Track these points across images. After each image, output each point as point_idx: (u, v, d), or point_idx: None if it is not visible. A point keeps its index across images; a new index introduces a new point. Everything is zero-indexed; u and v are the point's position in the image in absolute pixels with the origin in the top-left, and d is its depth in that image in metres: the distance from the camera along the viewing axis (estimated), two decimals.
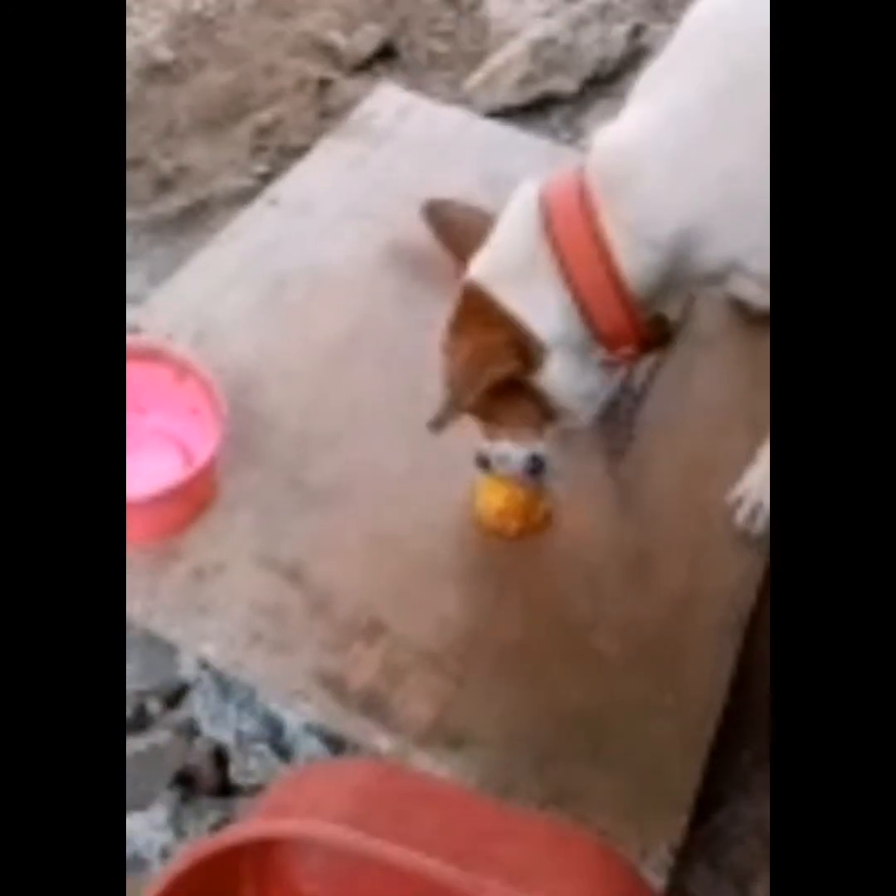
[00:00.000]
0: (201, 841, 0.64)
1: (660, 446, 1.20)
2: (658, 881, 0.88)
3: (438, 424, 0.96)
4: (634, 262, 0.90)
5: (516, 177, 1.53)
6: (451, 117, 1.57)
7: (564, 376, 0.96)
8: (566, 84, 1.64)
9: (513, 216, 0.96)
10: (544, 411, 0.99)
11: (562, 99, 1.65)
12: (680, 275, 0.93)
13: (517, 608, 1.05)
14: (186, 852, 0.63)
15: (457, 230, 1.10)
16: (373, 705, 0.96)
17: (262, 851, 0.74)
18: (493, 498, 1.08)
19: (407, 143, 1.50)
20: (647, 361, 1.20)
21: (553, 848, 0.68)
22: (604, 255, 0.89)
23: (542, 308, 0.92)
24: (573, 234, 0.90)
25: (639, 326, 0.94)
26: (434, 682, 0.99)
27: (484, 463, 1.05)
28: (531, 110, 1.63)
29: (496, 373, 0.94)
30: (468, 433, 1.03)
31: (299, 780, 0.85)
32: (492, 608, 1.05)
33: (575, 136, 1.59)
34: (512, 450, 1.02)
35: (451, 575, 1.07)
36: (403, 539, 1.09)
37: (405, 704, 0.96)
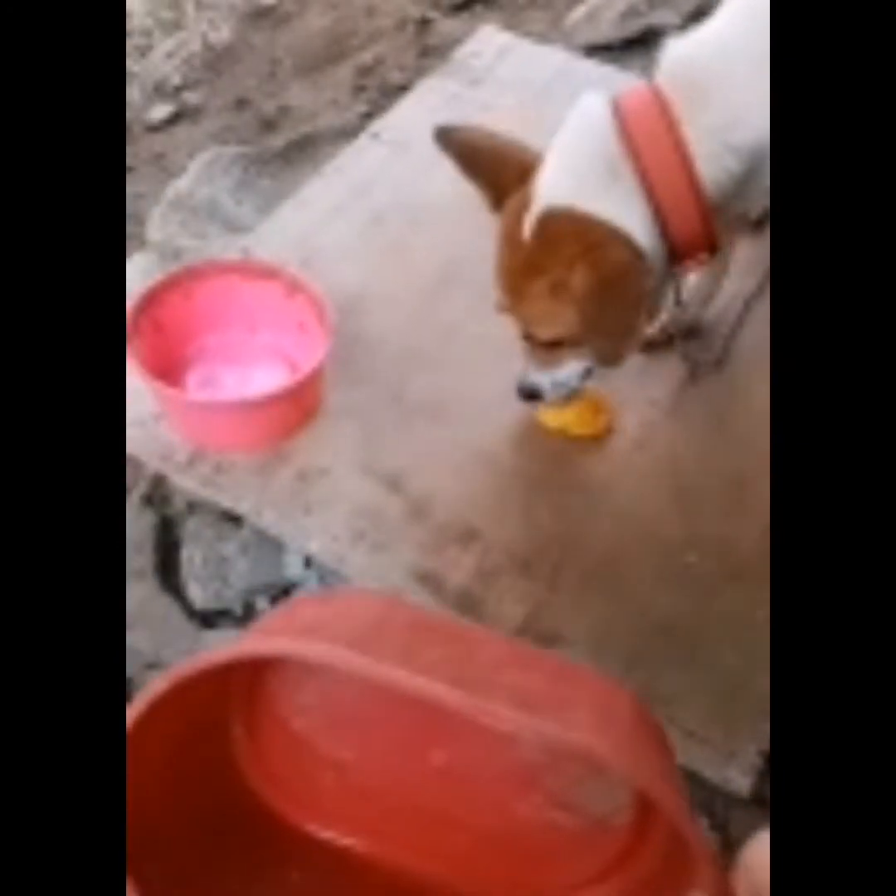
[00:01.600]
0: (186, 662, 0.59)
1: (756, 372, 1.20)
2: (745, 781, 0.91)
3: (612, 361, 0.96)
4: (715, 168, 0.90)
5: None
6: (550, 57, 1.58)
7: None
8: (669, 18, 1.63)
9: (582, 132, 0.94)
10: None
11: (665, 33, 1.63)
12: (753, 184, 0.92)
13: (609, 523, 1.08)
14: (167, 673, 0.59)
15: (484, 158, 1.02)
16: (468, 604, 1.00)
17: (252, 686, 0.72)
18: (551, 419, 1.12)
19: (505, 83, 1.52)
20: (746, 291, 1.20)
21: (560, 679, 0.68)
22: (686, 163, 0.89)
23: (629, 219, 0.91)
24: (655, 144, 0.90)
25: (711, 236, 0.94)
26: (526, 585, 1.02)
27: (534, 395, 1.04)
28: (633, 45, 1.62)
29: (650, 288, 0.91)
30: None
31: (292, 608, 0.83)
32: (583, 521, 1.08)
33: None
34: (573, 370, 1.01)
35: (543, 488, 1.10)
36: (497, 454, 1.13)
37: (499, 605, 1.00)
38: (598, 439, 1.13)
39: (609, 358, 0.98)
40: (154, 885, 0.59)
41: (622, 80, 1.57)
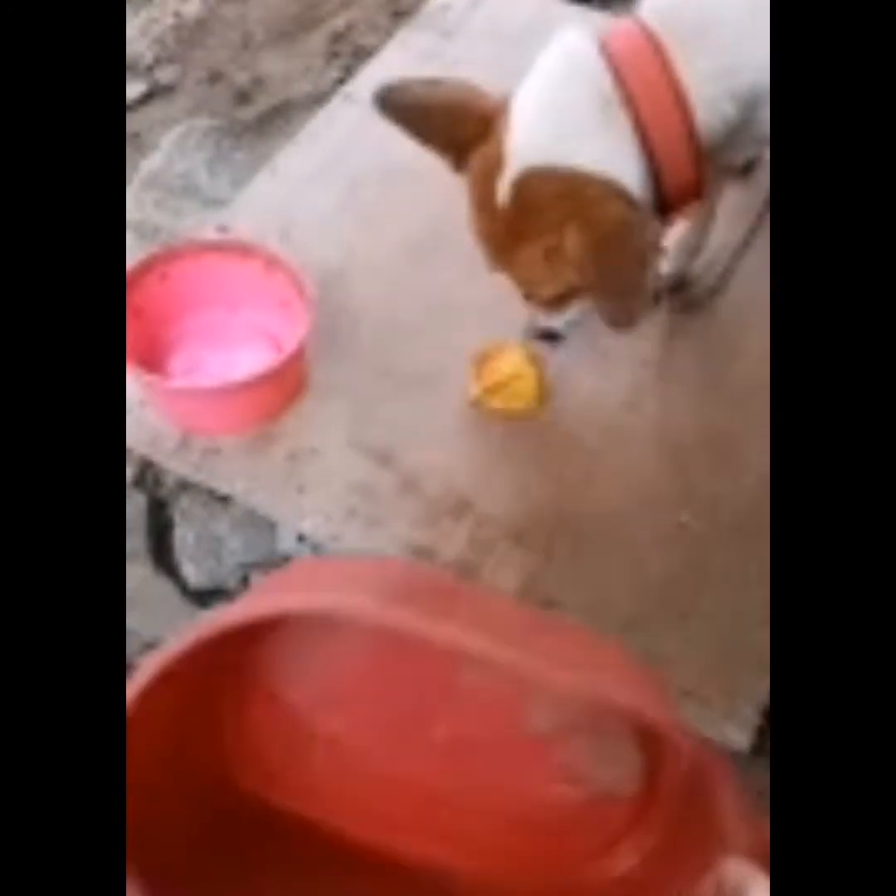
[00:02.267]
0: (191, 627, 0.57)
1: (747, 329, 1.19)
2: (743, 738, 0.91)
3: (625, 324, 0.89)
4: (712, 114, 0.87)
5: None
6: (525, 3, 1.54)
7: None
8: None
9: (567, 74, 0.87)
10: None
11: None
12: (745, 132, 0.90)
13: (602, 487, 1.07)
14: (178, 640, 0.58)
15: (435, 115, 0.93)
16: (463, 575, 1.00)
17: (242, 659, 0.69)
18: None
19: (480, 34, 1.49)
20: (734, 240, 1.18)
21: (589, 645, 0.69)
22: (682, 108, 0.85)
23: (623, 167, 0.86)
24: (650, 87, 0.85)
25: (701, 185, 0.90)
26: (521, 554, 1.02)
27: (550, 336, 1.03)
28: None
29: (651, 241, 0.85)
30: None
31: (287, 572, 0.81)
32: (576, 487, 1.07)
33: None
34: (584, 306, 0.96)
35: (536, 457, 1.10)
36: (487, 424, 1.12)
37: (494, 574, 1.00)
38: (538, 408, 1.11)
39: (620, 320, 0.92)
40: (148, 860, 0.59)
41: (604, 21, 1.53)
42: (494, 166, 0.87)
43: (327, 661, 0.71)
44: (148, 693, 0.58)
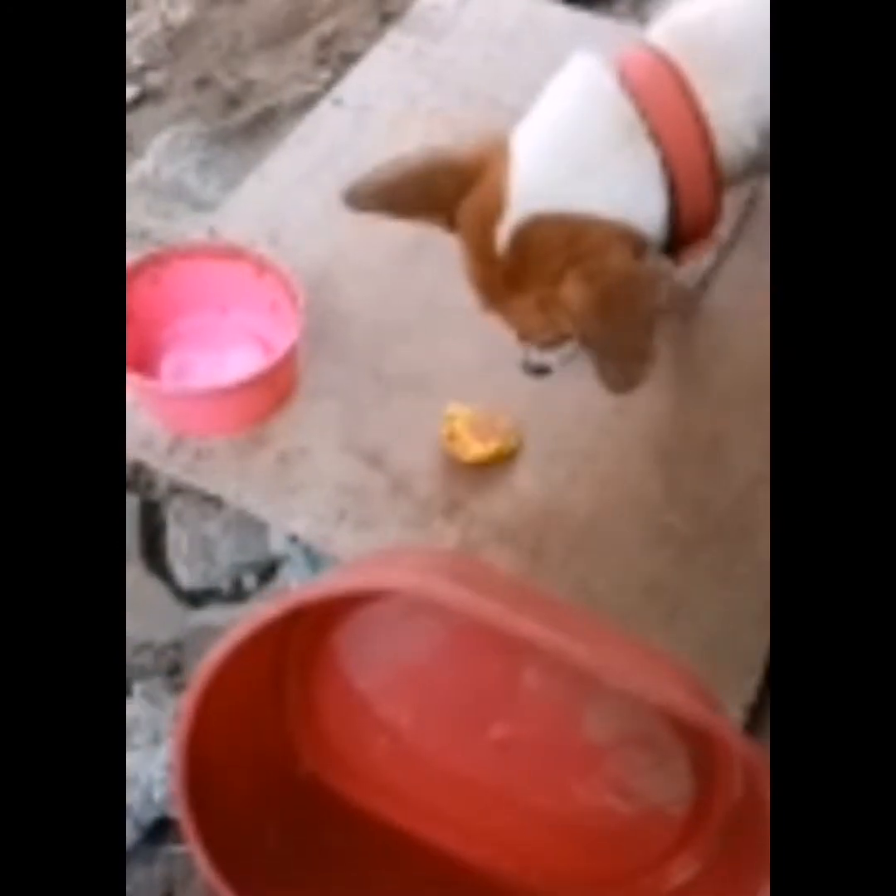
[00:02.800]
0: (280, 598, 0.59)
1: (736, 334, 1.20)
2: None
3: (624, 387, 0.83)
4: (733, 146, 0.83)
5: None
6: (514, 5, 1.55)
7: None
8: None
9: (580, 107, 0.82)
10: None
11: None
12: (762, 163, 0.86)
13: (591, 489, 1.08)
14: (262, 609, 0.59)
15: (406, 188, 0.88)
16: None
17: (312, 640, 0.70)
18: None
19: (469, 35, 1.50)
20: (720, 239, 1.19)
21: (647, 655, 0.70)
22: (706, 141, 0.80)
23: (645, 205, 0.80)
24: (675, 120, 0.79)
25: (716, 218, 0.86)
26: (510, 555, 1.03)
27: (542, 371, 0.99)
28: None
29: (657, 300, 0.79)
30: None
31: (364, 559, 0.80)
32: (565, 488, 1.08)
33: (641, 23, 1.56)
34: (574, 348, 0.93)
35: (525, 458, 1.11)
36: None
37: None
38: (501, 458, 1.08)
39: (619, 384, 0.84)
40: (211, 832, 0.62)
41: (594, 27, 1.54)
42: (492, 212, 0.82)
43: (397, 651, 0.72)
44: (220, 667, 0.60)
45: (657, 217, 0.81)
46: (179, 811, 0.61)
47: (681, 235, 0.85)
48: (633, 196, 0.80)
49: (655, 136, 0.80)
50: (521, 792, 0.72)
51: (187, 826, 0.61)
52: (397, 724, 0.72)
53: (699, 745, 0.65)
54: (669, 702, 0.59)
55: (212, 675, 0.59)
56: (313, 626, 0.69)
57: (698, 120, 0.81)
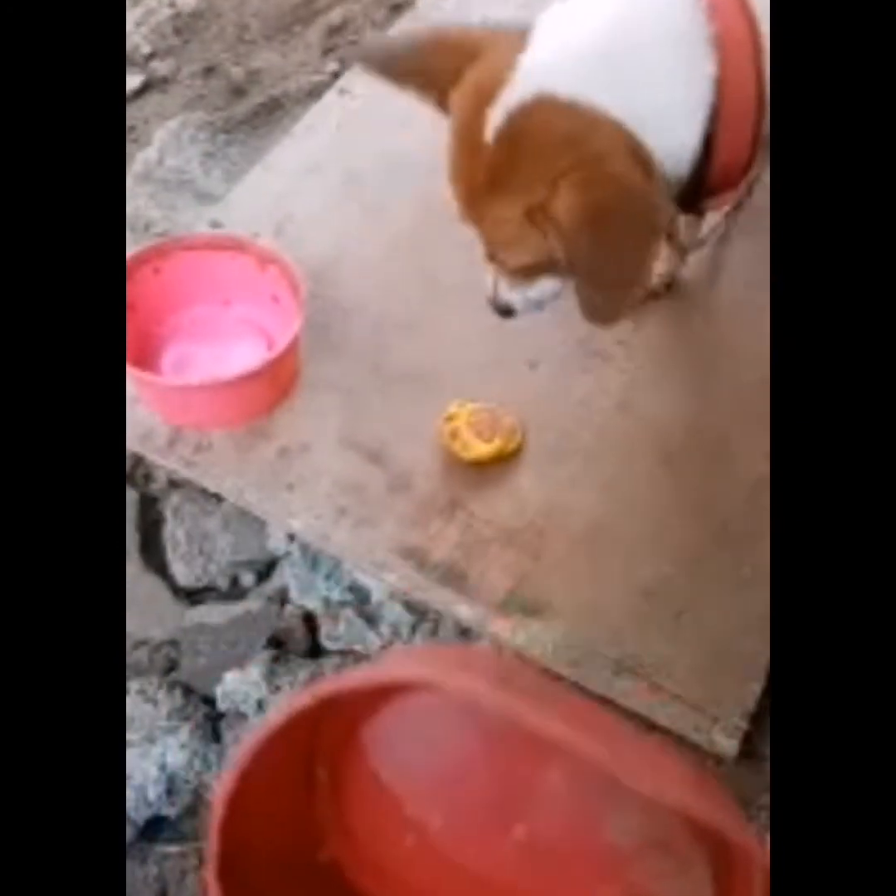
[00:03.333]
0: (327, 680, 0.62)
1: (742, 332, 1.18)
2: (730, 743, 0.91)
3: (606, 318, 0.74)
4: None
5: None
6: None
7: None
8: None
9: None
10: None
11: None
12: None
13: (593, 489, 1.07)
14: (311, 688, 0.62)
15: (407, 55, 0.78)
16: (452, 576, 1.00)
17: (342, 734, 0.71)
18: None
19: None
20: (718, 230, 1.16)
21: (671, 761, 0.69)
22: (760, 73, 0.66)
23: (675, 117, 0.66)
24: (739, 35, 0.66)
25: (749, 168, 0.73)
26: (511, 555, 1.01)
27: (506, 311, 0.89)
28: None
29: (661, 223, 0.67)
30: (542, 329, 1.02)
31: (397, 654, 0.83)
32: (567, 489, 1.07)
33: None
34: (549, 288, 0.83)
35: (528, 457, 1.09)
36: None
37: (483, 576, 1.00)
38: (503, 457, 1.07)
39: (599, 313, 0.76)
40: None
41: None
42: (489, 92, 0.70)
43: (426, 747, 0.72)
44: (256, 751, 0.61)
45: (687, 146, 0.68)
46: (209, 879, 0.63)
47: (709, 179, 0.72)
48: (668, 108, 0.66)
49: (718, 48, 0.66)
50: (543, 892, 0.71)
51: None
52: (424, 824, 0.72)
53: (718, 851, 0.64)
54: (687, 805, 0.58)
55: (248, 758, 0.61)
56: (345, 716, 0.70)
57: (755, 41, 0.66)
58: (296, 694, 0.66)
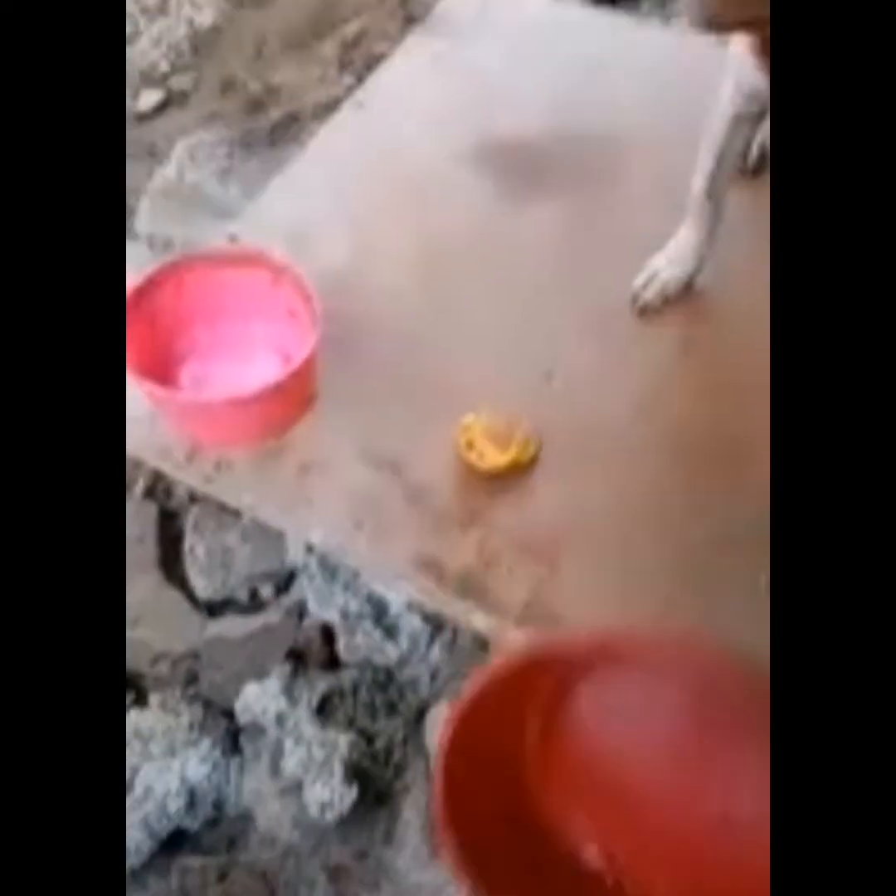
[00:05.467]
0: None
1: (759, 337, 1.17)
2: None
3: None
4: None
5: (610, 61, 1.50)
6: (535, 4, 1.53)
7: None
8: None
9: None
10: None
11: None
12: None
13: (610, 497, 1.06)
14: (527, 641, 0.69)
15: None
16: (469, 588, 1.00)
17: (556, 693, 0.76)
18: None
19: (490, 36, 1.48)
20: None
21: None
22: None
23: None
24: None
25: None
26: (527, 567, 1.01)
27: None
28: None
29: None
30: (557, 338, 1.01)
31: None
32: (584, 497, 1.06)
33: (666, 21, 1.53)
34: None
35: (543, 467, 1.09)
36: None
37: (500, 587, 1.00)
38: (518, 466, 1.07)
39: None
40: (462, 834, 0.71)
41: (618, 26, 1.52)
42: None
43: (631, 717, 0.77)
44: (477, 697, 0.68)
45: None
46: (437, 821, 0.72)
47: None
48: None
49: None
50: (731, 870, 0.73)
51: (441, 831, 0.71)
52: (626, 788, 0.77)
53: None
54: None
55: (469, 704, 0.69)
56: (557, 676, 0.75)
57: None
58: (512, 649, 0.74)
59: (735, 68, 0.96)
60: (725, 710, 0.62)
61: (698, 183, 1.12)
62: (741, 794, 0.72)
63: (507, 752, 0.79)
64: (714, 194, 1.12)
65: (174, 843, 0.93)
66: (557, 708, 0.76)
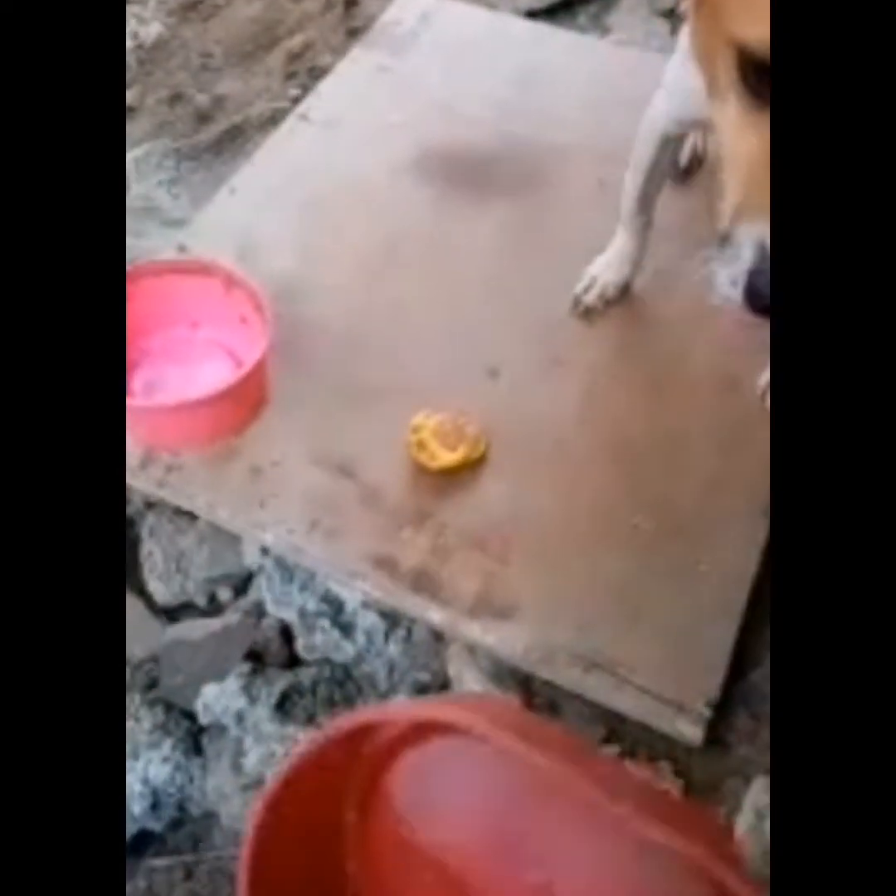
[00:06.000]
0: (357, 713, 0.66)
1: (694, 336, 1.22)
2: (696, 732, 0.94)
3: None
4: None
5: (549, 73, 1.56)
6: (475, 17, 1.58)
7: None
8: None
9: None
10: None
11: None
12: None
13: (556, 492, 1.10)
14: (332, 725, 0.65)
15: None
16: (423, 583, 1.03)
17: (372, 773, 0.75)
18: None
19: (431, 48, 1.52)
20: None
21: (686, 811, 0.74)
22: None
23: None
24: None
25: None
26: (479, 561, 1.05)
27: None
28: (556, 11, 1.62)
29: None
30: (501, 339, 1.05)
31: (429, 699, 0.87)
32: (531, 493, 1.10)
33: (603, 34, 1.58)
34: None
35: (491, 465, 1.12)
36: None
37: (453, 581, 1.03)
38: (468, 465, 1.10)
39: None
40: None
41: (552, 35, 1.56)
42: None
43: (448, 792, 0.75)
44: (288, 777, 0.65)
45: None
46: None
47: None
48: None
49: None
50: None
51: None
52: (444, 864, 0.75)
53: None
54: (693, 852, 0.60)
55: (277, 791, 0.65)
56: (370, 763, 0.73)
57: None
58: (324, 729, 0.69)
59: (672, 80, 0.96)
60: (540, 777, 0.63)
61: (629, 197, 1.16)
62: (563, 860, 0.73)
63: (324, 835, 0.76)
64: (644, 208, 1.17)
65: (139, 844, 0.94)
66: (373, 787, 0.75)
